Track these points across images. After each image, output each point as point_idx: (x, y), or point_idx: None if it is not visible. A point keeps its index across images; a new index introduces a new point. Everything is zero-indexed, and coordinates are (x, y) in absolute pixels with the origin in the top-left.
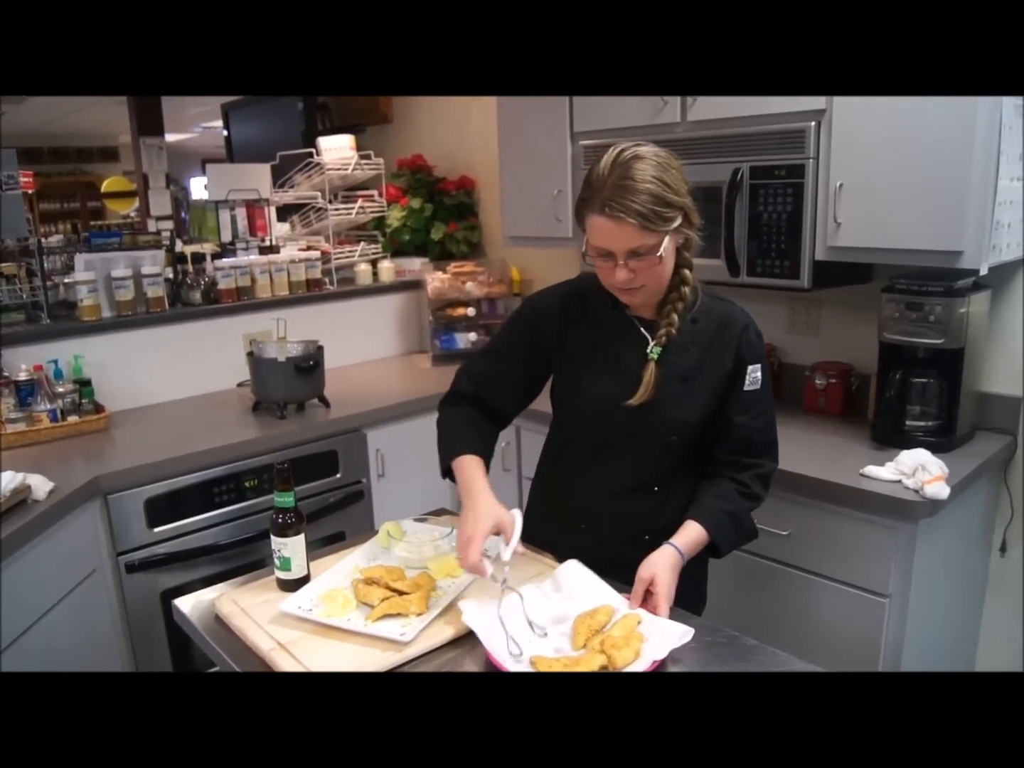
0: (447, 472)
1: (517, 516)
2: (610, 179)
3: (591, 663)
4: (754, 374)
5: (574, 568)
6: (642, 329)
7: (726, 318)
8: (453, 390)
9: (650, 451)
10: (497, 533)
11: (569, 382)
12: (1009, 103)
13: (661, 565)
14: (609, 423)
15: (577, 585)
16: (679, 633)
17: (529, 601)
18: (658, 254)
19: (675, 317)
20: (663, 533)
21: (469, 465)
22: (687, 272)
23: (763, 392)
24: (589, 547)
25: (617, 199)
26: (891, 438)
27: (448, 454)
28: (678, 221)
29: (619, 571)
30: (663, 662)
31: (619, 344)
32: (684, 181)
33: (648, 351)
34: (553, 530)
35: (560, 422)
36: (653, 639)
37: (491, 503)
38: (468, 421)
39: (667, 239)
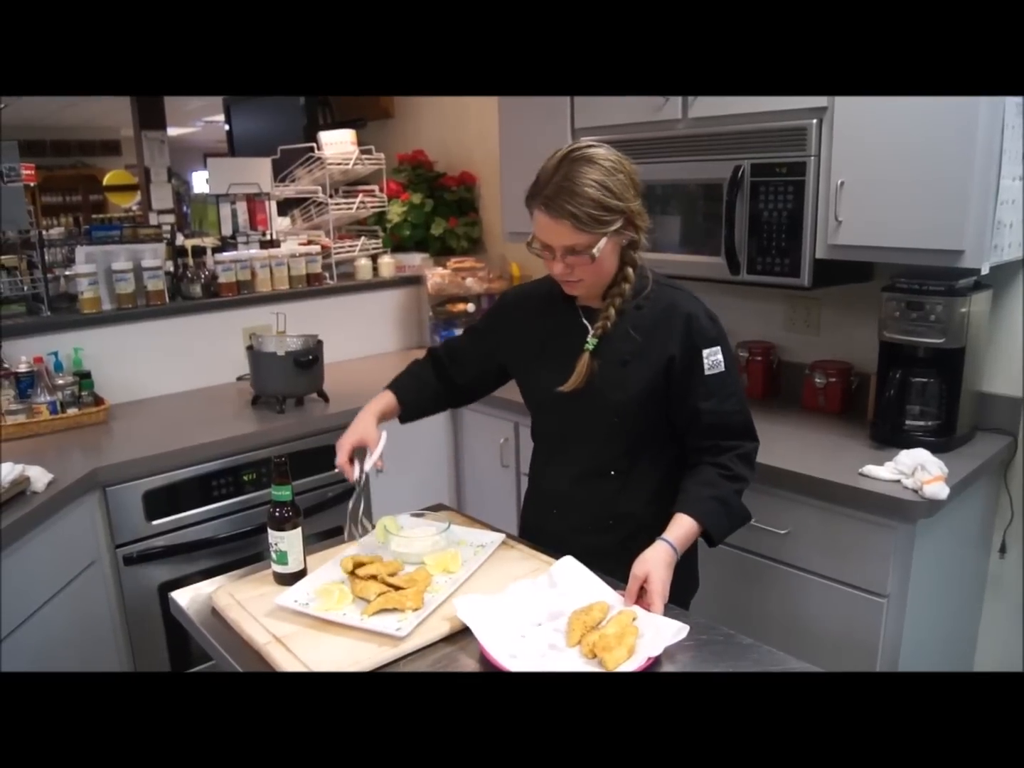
0: None
1: (383, 436)
2: (554, 178)
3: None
4: (712, 357)
5: (569, 564)
6: (584, 319)
7: (671, 304)
8: (432, 347)
9: (599, 435)
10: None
11: (525, 376)
12: (1011, 102)
13: (654, 562)
14: (559, 411)
15: (572, 581)
16: (674, 630)
17: (524, 596)
18: (591, 253)
19: (612, 312)
20: (627, 518)
21: (379, 396)
22: (630, 271)
23: (728, 375)
24: (563, 533)
25: (556, 199)
26: (890, 437)
27: (385, 386)
28: (617, 225)
29: (591, 558)
30: (658, 659)
31: (565, 335)
32: (633, 186)
33: (586, 341)
34: (536, 517)
35: (531, 415)
36: (648, 635)
37: (366, 422)
38: (418, 372)
39: (604, 240)
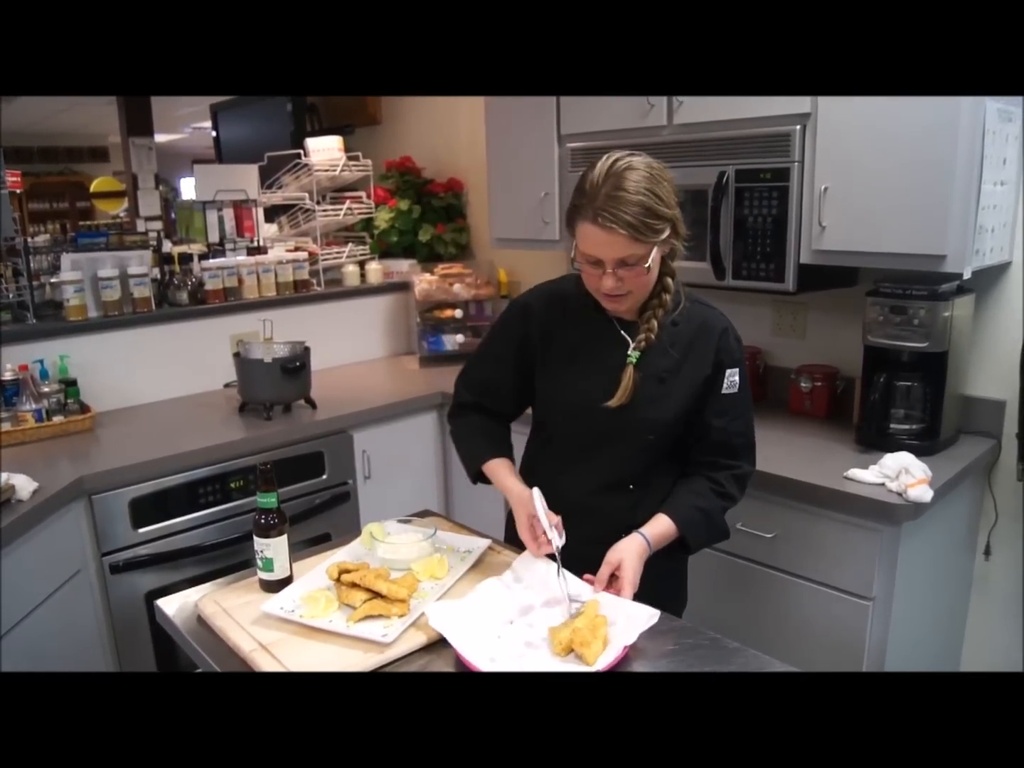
0: (477, 478)
1: (536, 495)
2: (603, 188)
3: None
4: (732, 378)
5: (531, 559)
6: (622, 332)
7: (706, 322)
8: (456, 402)
9: (628, 450)
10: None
11: (551, 382)
12: (992, 108)
13: (628, 552)
14: (589, 423)
15: (536, 575)
16: (646, 616)
17: (493, 596)
18: (646, 265)
19: (655, 323)
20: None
21: (496, 470)
22: (669, 280)
23: (741, 396)
24: (569, 546)
25: (609, 209)
26: (875, 441)
27: (473, 464)
28: (667, 232)
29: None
30: (634, 647)
31: (600, 345)
32: (674, 193)
33: (628, 354)
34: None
35: (541, 421)
36: (619, 623)
37: (520, 497)
38: (478, 428)
39: (655, 250)
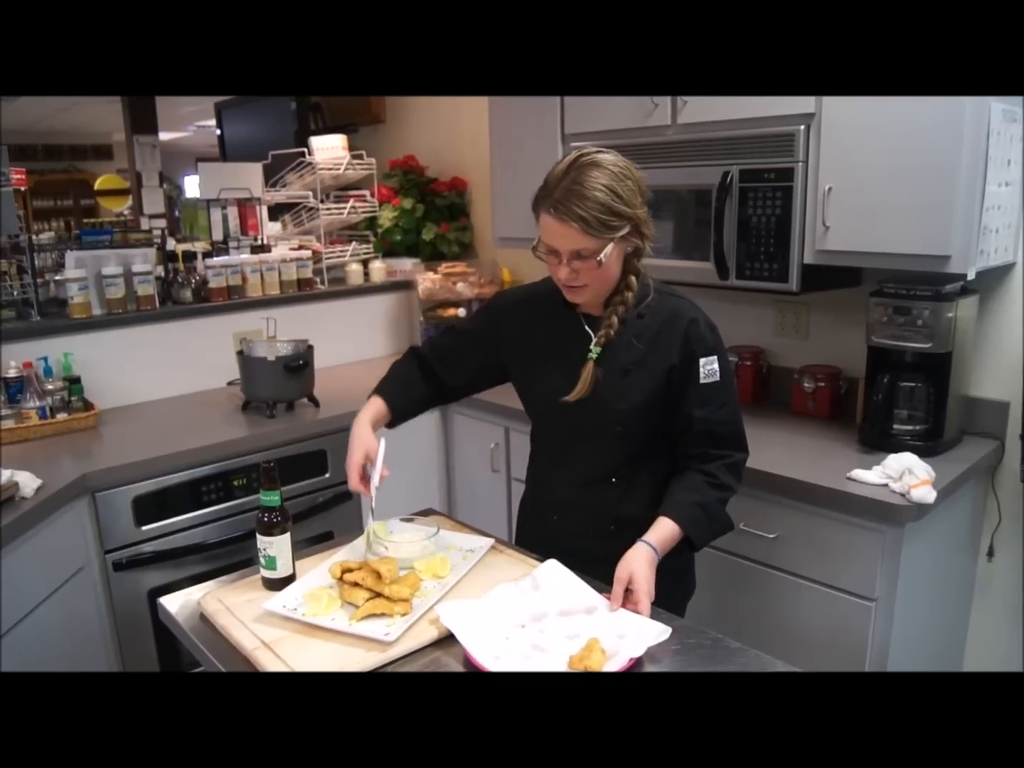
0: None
1: (381, 444)
2: (563, 181)
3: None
4: (709, 366)
5: (553, 568)
6: (587, 327)
7: (673, 312)
8: (414, 346)
9: (601, 443)
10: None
11: (526, 380)
12: (997, 109)
13: (637, 562)
14: (560, 419)
15: (555, 584)
16: (657, 631)
17: (507, 599)
18: (599, 259)
19: (615, 320)
20: (629, 524)
21: (369, 405)
22: (633, 279)
23: (723, 384)
24: (562, 539)
25: (565, 202)
26: (878, 442)
27: (371, 392)
28: (624, 231)
29: (592, 563)
30: (639, 660)
31: (567, 342)
32: (640, 193)
33: (590, 349)
34: (532, 523)
35: (531, 420)
36: (630, 636)
37: (363, 437)
38: (404, 373)
39: (611, 246)
